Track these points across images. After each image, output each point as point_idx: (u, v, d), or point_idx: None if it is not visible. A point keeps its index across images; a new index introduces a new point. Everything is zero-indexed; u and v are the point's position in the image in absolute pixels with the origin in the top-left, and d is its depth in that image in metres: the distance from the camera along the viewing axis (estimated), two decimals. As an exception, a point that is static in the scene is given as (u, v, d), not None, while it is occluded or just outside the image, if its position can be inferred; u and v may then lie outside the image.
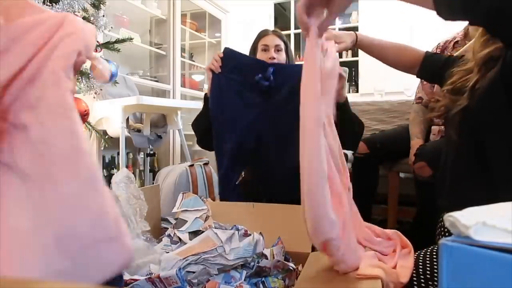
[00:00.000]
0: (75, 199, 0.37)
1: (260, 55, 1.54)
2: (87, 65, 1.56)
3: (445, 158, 0.85)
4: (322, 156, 0.56)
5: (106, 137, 2.01)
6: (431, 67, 1.03)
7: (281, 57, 1.53)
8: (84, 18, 1.54)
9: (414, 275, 0.71)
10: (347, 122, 1.33)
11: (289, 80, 1.31)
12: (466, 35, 1.65)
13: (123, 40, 1.68)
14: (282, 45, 1.55)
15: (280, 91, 1.33)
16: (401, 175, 2.02)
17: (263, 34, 1.59)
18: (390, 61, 1.11)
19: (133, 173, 2.30)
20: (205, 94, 1.47)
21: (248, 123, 1.36)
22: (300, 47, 5.58)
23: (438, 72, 0.98)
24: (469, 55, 0.86)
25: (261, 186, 1.36)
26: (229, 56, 1.39)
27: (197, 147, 3.34)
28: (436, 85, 1.36)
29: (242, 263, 0.89)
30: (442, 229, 0.85)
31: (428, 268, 0.72)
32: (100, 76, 1.55)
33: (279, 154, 1.33)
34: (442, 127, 1.58)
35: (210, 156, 2.07)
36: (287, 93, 1.32)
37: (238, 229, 1.01)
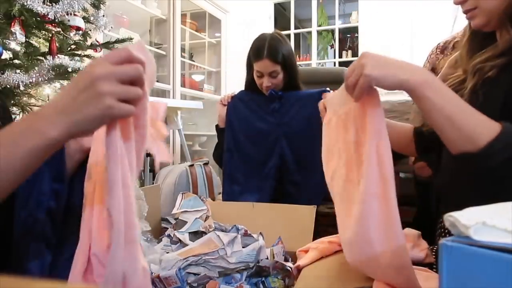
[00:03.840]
0: None
1: (256, 79, 1.50)
2: (87, 65, 1.56)
3: (446, 161, 0.84)
4: None
5: (106, 137, 2.01)
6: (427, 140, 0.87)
7: (277, 81, 1.46)
8: (84, 18, 1.54)
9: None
10: None
11: (296, 103, 1.48)
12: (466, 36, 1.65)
13: (123, 40, 1.67)
14: (278, 68, 1.43)
15: (289, 114, 1.48)
16: (401, 175, 2.02)
17: (257, 56, 1.44)
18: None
19: (133, 173, 2.29)
20: (216, 125, 1.60)
21: (271, 145, 1.49)
22: (300, 47, 5.59)
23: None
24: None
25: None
26: (243, 94, 1.57)
27: (197, 147, 3.34)
28: None
29: (243, 267, 0.89)
30: (442, 230, 0.85)
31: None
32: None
33: (300, 173, 1.46)
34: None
35: (210, 156, 2.07)
36: (295, 115, 1.47)
37: (238, 229, 1.01)
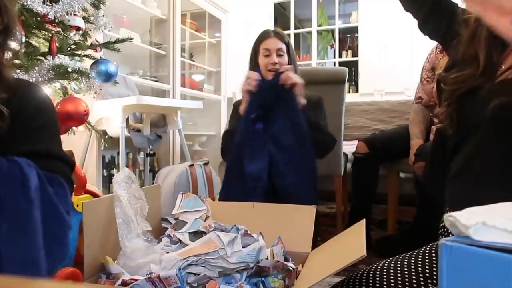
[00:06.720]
0: None
1: (262, 60, 1.54)
2: (87, 65, 1.56)
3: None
4: None
5: (106, 137, 2.01)
6: None
7: (283, 61, 1.53)
8: (84, 18, 1.53)
9: (413, 272, 0.71)
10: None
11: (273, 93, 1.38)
12: (466, 35, 1.65)
13: (123, 40, 1.68)
14: (284, 47, 1.53)
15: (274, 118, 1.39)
16: (401, 175, 2.02)
17: (264, 36, 1.56)
18: None
19: (133, 173, 2.30)
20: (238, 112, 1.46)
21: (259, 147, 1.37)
22: (300, 47, 5.59)
23: None
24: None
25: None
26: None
27: (197, 147, 3.34)
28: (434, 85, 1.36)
29: (243, 267, 0.89)
30: (444, 228, 0.85)
31: (427, 266, 0.72)
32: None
33: (286, 167, 1.35)
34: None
35: (210, 156, 2.07)
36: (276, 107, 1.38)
37: (238, 229, 1.01)
